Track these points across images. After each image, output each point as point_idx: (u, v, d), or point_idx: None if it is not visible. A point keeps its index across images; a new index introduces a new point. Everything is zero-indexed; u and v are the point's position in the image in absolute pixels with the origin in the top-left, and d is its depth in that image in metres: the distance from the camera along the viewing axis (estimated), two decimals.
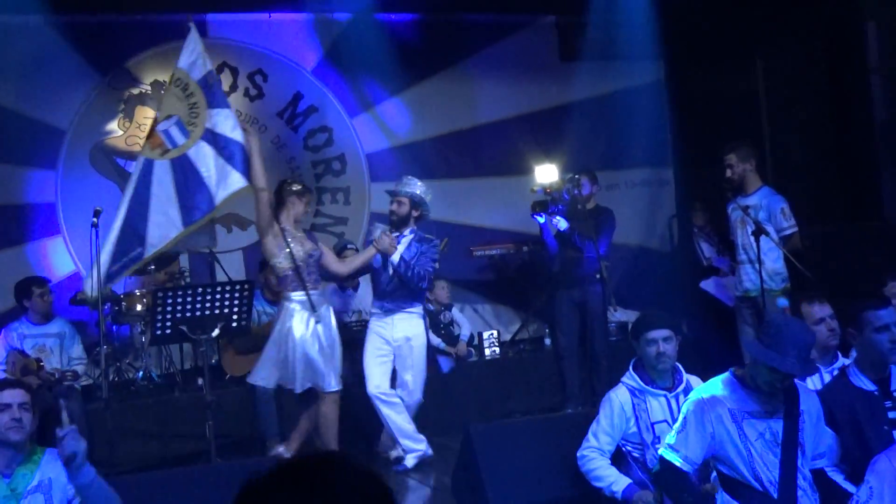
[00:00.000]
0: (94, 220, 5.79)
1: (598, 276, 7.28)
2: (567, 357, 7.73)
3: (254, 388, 6.88)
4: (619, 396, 4.56)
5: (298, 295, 6.16)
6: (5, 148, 8.29)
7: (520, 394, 8.00)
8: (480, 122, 9.53)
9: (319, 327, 6.15)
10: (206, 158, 6.18)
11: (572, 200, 7.59)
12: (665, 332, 4.49)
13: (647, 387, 4.53)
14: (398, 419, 6.47)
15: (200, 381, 7.41)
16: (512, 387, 8.07)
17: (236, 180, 6.19)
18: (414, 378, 6.51)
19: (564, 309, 7.72)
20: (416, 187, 6.64)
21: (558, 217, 7.45)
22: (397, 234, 6.60)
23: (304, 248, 6.27)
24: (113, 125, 8.69)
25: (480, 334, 8.49)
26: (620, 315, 8.85)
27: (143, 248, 6.27)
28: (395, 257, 6.52)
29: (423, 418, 6.93)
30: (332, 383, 6.19)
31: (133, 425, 7.07)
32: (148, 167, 6.24)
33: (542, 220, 7.55)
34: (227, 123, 6.27)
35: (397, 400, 6.48)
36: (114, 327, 7.99)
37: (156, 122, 6.38)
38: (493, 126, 9.55)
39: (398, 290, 6.54)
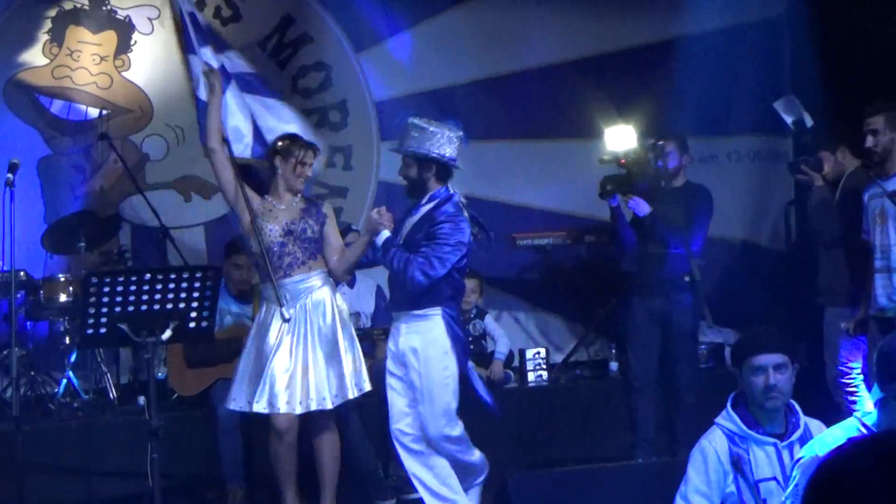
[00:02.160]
0: (10, 176, 5.84)
1: (686, 279, 7.26)
2: (641, 389, 7.72)
3: (214, 414, 6.94)
4: (715, 444, 4.54)
5: (268, 286, 6.34)
6: None
7: (573, 435, 8.00)
8: (531, 64, 9.53)
9: (306, 327, 6.22)
10: None
11: (655, 176, 7.57)
12: (778, 358, 4.47)
13: (750, 431, 4.51)
14: (424, 474, 6.40)
15: (142, 400, 7.50)
16: (563, 425, 8.08)
17: None
18: (425, 408, 6.44)
19: (639, 324, 7.71)
20: (425, 136, 6.37)
21: (636, 198, 7.43)
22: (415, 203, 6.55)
23: (281, 222, 6.39)
24: (36, 52, 8.73)
25: (522, 352, 8.51)
26: (715, 335, 8.84)
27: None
28: (381, 238, 6.36)
29: None
30: (329, 399, 6.27)
31: (50, 456, 7.11)
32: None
33: (615, 202, 7.54)
34: (192, 72, 6.75)
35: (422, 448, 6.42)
36: (27, 324, 8.04)
37: None
38: (547, 70, 9.56)
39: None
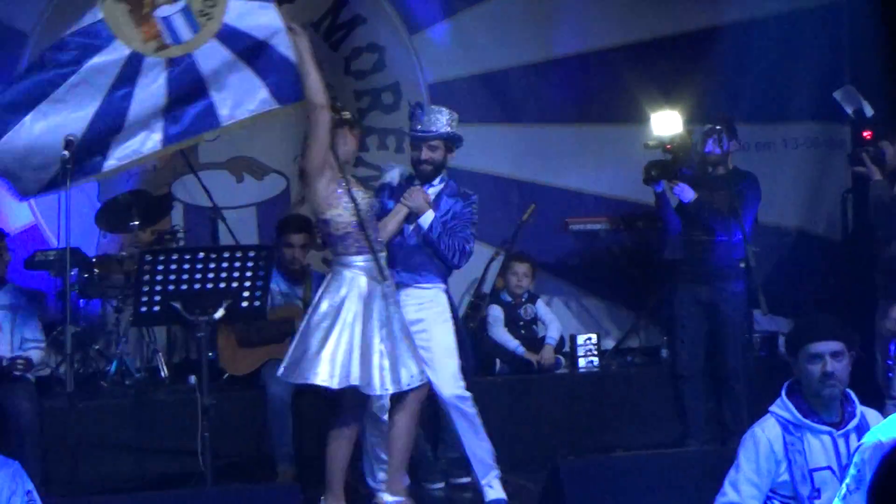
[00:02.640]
0: (65, 152, 5.84)
1: (742, 265, 7.19)
2: (688, 378, 7.69)
3: (266, 393, 6.97)
4: (768, 432, 4.51)
5: (362, 259, 6.07)
6: None
7: (623, 422, 7.97)
8: (585, 47, 9.51)
9: (392, 305, 6.17)
10: (216, 63, 6.10)
11: (701, 162, 7.54)
12: (835, 346, 4.44)
13: (805, 420, 4.48)
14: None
15: (193, 379, 7.57)
16: (613, 412, 8.06)
17: (262, 100, 6.15)
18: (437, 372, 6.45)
19: (686, 312, 7.67)
20: (446, 120, 6.50)
21: (682, 184, 7.41)
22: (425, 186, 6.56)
23: (366, 196, 6.21)
24: None
25: (573, 338, 8.49)
26: (768, 323, 8.78)
27: (103, 157, 6.21)
28: (428, 218, 6.40)
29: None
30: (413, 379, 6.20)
31: (102, 434, 7.19)
32: (134, 63, 6.09)
33: (659, 188, 7.52)
34: (259, 18, 6.12)
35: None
36: (80, 302, 8.12)
37: (153, 3, 6.23)
38: (601, 54, 9.52)
39: (415, 254, 6.52)
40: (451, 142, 6.54)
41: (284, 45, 6.12)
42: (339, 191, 6.03)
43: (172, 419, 7.25)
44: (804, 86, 9.52)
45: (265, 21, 6.12)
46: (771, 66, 9.40)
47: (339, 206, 6.03)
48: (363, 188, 6.33)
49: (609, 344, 9.10)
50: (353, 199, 6.01)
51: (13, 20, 8.59)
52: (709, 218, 7.42)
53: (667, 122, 7.46)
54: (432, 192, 6.52)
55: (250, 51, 6.13)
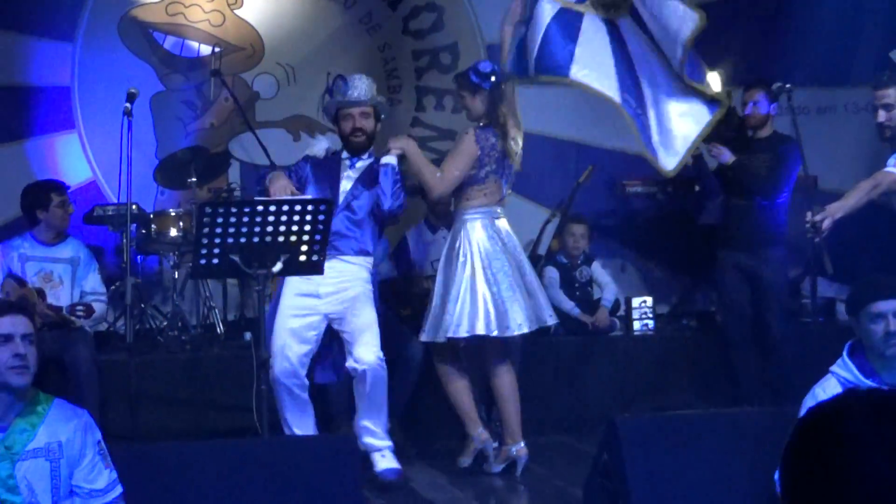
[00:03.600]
0: (127, 105, 5.93)
1: (809, 233, 7.11)
2: (737, 343, 7.72)
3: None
4: (829, 392, 4.47)
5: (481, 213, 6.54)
6: (8, 9, 8.51)
7: (679, 385, 7.95)
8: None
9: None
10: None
11: (742, 124, 7.48)
12: None
13: (867, 380, 4.44)
14: None
15: (248, 335, 7.61)
16: (669, 375, 8.03)
17: None
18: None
19: (729, 278, 7.71)
20: (371, 87, 6.57)
21: (719, 146, 7.35)
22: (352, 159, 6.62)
23: None
24: None
25: (629, 301, 8.46)
26: (826, 288, 8.71)
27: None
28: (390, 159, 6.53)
29: (538, 410, 6.95)
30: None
31: (159, 388, 7.25)
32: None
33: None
34: None
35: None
36: (138, 258, 8.19)
37: None
38: None
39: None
40: (379, 111, 6.59)
41: None
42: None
43: (228, 375, 7.27)
44: (866, 50, 9.40)
45: None
46: (832, 30, 9.26)
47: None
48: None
49: (664, 308, 9.06)
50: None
51: None
52: (747, 181, 7.38)
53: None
54: (360, 165, 6.57)
55: None
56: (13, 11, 8.53)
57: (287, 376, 6.26)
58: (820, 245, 6.97)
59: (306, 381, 6.36)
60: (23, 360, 3.94)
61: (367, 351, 6.28)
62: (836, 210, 6.30)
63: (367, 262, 6.56)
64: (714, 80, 7.39)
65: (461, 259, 6.41)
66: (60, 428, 4.02)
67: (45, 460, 3.98)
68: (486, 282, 6.35)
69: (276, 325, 6.33)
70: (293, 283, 6.30)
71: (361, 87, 6.49)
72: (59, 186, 7.40)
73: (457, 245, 6.45)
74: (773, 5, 9.36)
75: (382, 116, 6.66)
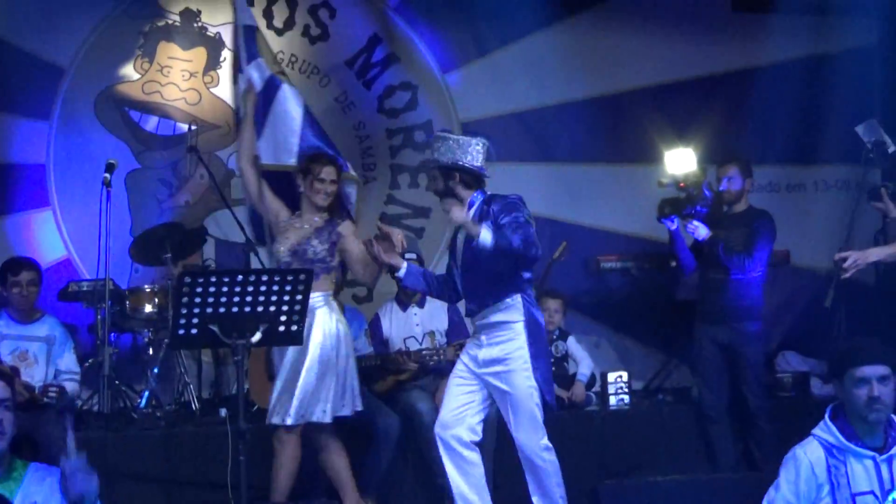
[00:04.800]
0: (107, 175, 5.96)
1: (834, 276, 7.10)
2: (715, 419, 7.77)
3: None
4: (810, 454, 4.51)
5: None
6: None
7: (654, 460, 7.89)
8: (617, 88, 9.56)
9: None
10: None
11: (716, 199, 7.55)
12: (882, 370, 4.44)
13: (849, 443, 4.46)
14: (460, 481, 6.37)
15: (224, 412, 7.55)
16: (644, 450, 7.97)
17: None
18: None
19: (706, 353, 7.75)
20: (448, 146, 6.36)
21: (696, 222, 7.42)
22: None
23: (289, 241, 6.60)
24: (128, 67, 8.93)
25: (604, 376, 8.44)
26: (799, 363, 8.76)
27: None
28: (483, 232, 6.07)
29: (514, 484, 6.90)
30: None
31: (133, 465, 7.17)
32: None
33: (673, 225, 7.54)
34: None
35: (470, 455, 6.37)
36: (111, 335, 8.11)
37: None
38: (629, 95, 9.57)
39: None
40: (451, 168, 6.32)
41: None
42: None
43: (203, 451, 7.22)
44: (834, 128, 9.51)
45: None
46: (801, 109, 9.43)
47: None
48: (304, 232, 6.63)
49: (640, 384, 9.04)
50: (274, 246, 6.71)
51: (51, 55, 8.67)
52: (723, 255, 7.43)
53: (680, 160, 7.49)
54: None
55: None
56: None
57: None
58: (837, 279, 6.88)
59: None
60: (0, 427, 3.92)
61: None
62: (871, 254, 6.29)
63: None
64: (688, 157, 7.48)
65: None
66: (35, 489, 4.05)
67: None
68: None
69: None
70: None
71: (434, 147, 6.46)
72: (15, 266, 7.36)
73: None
74: (744, 85, 9.49)
75: (460, 168, 6.33)
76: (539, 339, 6.24)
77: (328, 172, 6.61)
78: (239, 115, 7.47)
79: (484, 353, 6.23)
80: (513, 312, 6.19)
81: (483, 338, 6.26)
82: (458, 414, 6.28)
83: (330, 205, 6.64)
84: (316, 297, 6.32)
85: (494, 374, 6.19)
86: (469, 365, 6.32)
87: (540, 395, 6.15)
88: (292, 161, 7.12)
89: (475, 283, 6.27)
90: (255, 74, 7.22)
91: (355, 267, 6.70)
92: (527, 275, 6.30)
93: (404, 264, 6.40)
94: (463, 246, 6.34)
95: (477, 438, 6.28)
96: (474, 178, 6.35)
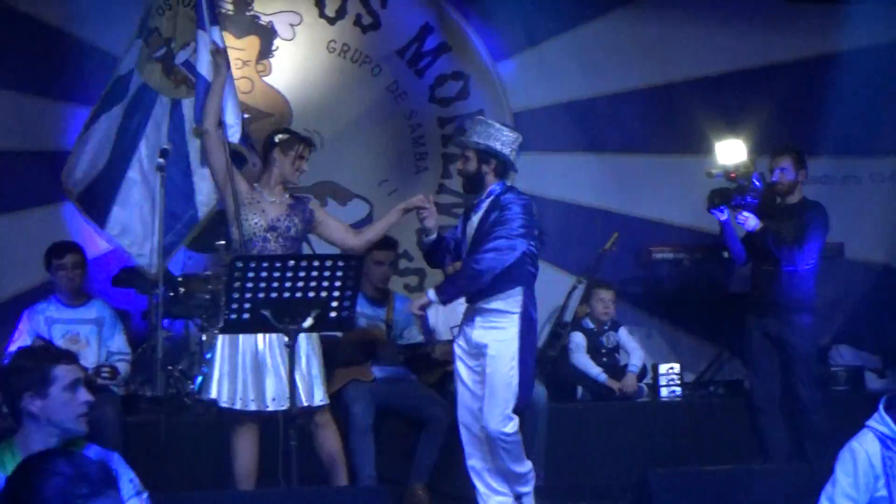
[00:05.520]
0: (161, 161, 5.97)
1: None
2: (766, 410, 7.69)
3: (347, 415, 6.97)
4: (866, 446, 4.47)
5: None
6: (42, 76, 8.64)
7: (705, 452, 7.85)
8: (671, 78, 9.53)
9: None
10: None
11: (767, 190, 7.49)
12: None
13: None
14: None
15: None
16: (695, 442, 7.94)
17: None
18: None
19: (757, 345, 7.69)
20: (490, 132, 6.39)
21: (746, 213, 7.37)
22: (475, 201, 6.48)
23: (266, 216, 6.39)
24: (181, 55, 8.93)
25: (656, 367, 8.42)
26: (853, 358, 8.69)
27: (194, 208, 6.55)
28: (431, 226, 6.47)
29: (564, 476, 6.91)
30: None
31: (184, 448, 7.21)
32: (179, 111, 6.70)
33: (723, 215, 7.49)
34: (200, 50, 6.62)
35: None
36: (165, 321, 8.17)
37: (169, 53, 6.61)
38: (686, 85, 9.54)
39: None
40: (489, 154, 6.35)
41: (207, 71, 6.57)
42: (235, 210, 6.34)
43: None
44: (891, 120, 9.44)
45: (202, 47, 6.64)
46: (857, 100, 9.31)
47: (233, 224, 6.39)
48: (277, 209, 6.44)
49: (691, 376, 9.00)
50: (240, 220, 6.34)
51: (107, 44, 8.74)
52: (774, 247, 7.36)
53: (731, 151, 7.44)
54: (481, 210, 6.40)
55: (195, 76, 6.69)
56: (48, 79, 8.66)
57: None
58: None
59: None
60: (89, 407, 4.01)
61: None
62: None
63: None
64: (738, 148, 7.43)
65: None
66: None
67: None
68: None
69: None
70: None
71: (471, 129, 6.50)
72: (59, 249, 7.43)
73: None
74: (799, 76, 9.43)
75: (499, 158, 6.36)
76: (530, 335, 6.34)
77: (306, 151, 6.56)
78: None
79: (476, 335, 6.34)
80: (511, 303, 6.27)
81: (478, 319, 6.34)
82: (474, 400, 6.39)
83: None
84: None
85: (481, 357, 6.30)
86: (464, 347, 6.45)
87: (517, 389, 6.23)
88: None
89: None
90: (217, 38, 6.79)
91: (342, 235, 6.61)
92: (532, 269, 6.37)
93: (436, 232, 6.49)
94: (474, 231, 6.37)
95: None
96: (504, 170, 6.41)
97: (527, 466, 6.36)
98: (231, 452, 6.32)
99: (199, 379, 7.88)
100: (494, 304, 6.29)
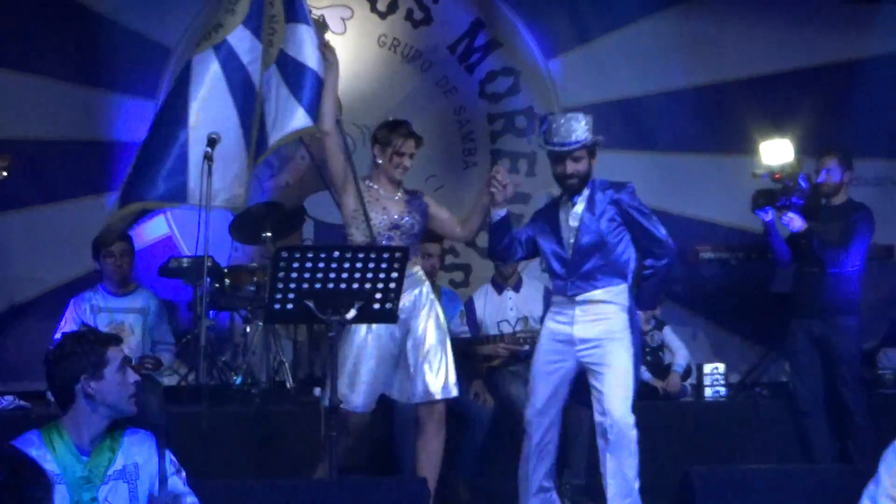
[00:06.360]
0: (208, 149, 5.98)
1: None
2: (810, 413, 7.65)
3: (393, 407, 6.98)
4: None
5: None
6: (95, 66, 8.73)
7: (749, 453, 7.82)
8: (722, 77, 9.44)
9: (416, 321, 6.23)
10: (270, 89, 6.37)
11: (814, 191, 7.42)
12: None
13: None
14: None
15: (318, 391, 7.61)
16: (738, 441, 7.90)
17: (300, 119, 6.36)
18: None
19: (801, 347, 7.63)
20: (584, 125, 6.22)
21: (791, 213, 7.29)
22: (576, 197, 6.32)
23: (389, 214, 6.31)
24: None
25: (700, 367, 8.38)
26: None
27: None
28: (501, 199, 6.24)
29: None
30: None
31: (227, 438, 7.26)
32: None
33: (767, 216, 7.45)
34: (303, 44, 6.39)
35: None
36: (210, 313, 8.21)
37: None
38: (736, 84, 9.45)
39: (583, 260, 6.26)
40: (594, 147, 6.29)
41: (318, 65, 6.38)
42: (358, 210, 6.25)
43: (296, 427, 7.28)
44: None
45: (308, 44, 6.39)
46: None
47: (353, 224, 6.29)
48: (396, 206, 6.37)
49: (736, 377, 8.94)
50: (367, 220, 6.20)
51: (158, 35, 8.82)
52: (818, 249, 7.30)
53: (777, 151, 7.39)
54: (581, 202, 6.28)
55: (292, 73, 6.39)
56: (99, 69, 8.75)
57: None
58: None
59: None
60: (138, 388, 4.14)
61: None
62: None
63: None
64: (784, 148, 7.38)
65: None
66: (136, 450, 4.14)
67: (124, 482, 4.10)
68: None
69: None
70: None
71: (571, 127, 6.20)
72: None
73: None
74: (851, 77, 9.34)
75: (596, 151, 6.31)
76: (636, 329, 6.22)
77: (409, 146, 6.42)
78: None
79: (580, 331, 6.17)
80: (618, 296, 6.18)
81: (578, 312, 6.19)
82: (551, 399, 6.27)
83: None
84: (421, 273, 6.39)
85: (593, 350, 6.14)
86: (556, 346, 6.28)
87: (634, 376, 6.15)
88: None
89: (586, 265, 6.19)
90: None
91: (451, 227, 6.60)
92: (633, 265, 6.29)
93: (505, 209, 6.33)
94: (579, 224, 6.23)
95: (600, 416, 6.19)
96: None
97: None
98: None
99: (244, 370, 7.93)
100: (601, 296, 6.19)
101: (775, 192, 7.33)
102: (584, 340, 6.16)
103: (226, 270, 8.01)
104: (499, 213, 6.30)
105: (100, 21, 8.71)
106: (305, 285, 5.43)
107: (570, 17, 9.35)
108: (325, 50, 6.46)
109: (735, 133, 9.18)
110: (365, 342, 6.18)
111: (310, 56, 6.37)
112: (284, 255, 5.43)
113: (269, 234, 7.99)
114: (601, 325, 6.15)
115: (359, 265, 5.47)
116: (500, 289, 7.85)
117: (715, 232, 9.23)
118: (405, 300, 6.08)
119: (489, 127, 9.35)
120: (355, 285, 5.49)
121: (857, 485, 4.53)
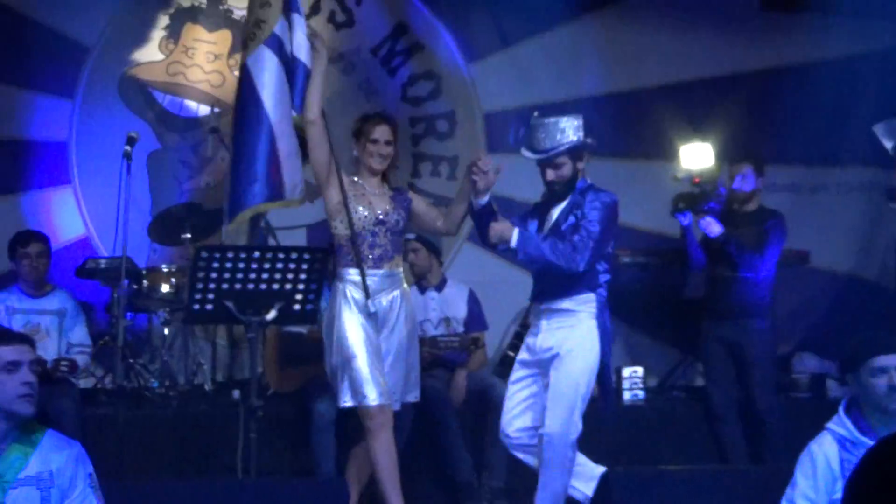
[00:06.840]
0: (127, 148, 5.95)
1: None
2: (723, 417, 7.70)
3: (310, 410, 6.94)
4: (825, 449, 4.46)
5: (355, 273, 6.00)
6: (11, 64, 8.59)
7: (667, 454, 7.88)
8: (642, 83, 9.52)
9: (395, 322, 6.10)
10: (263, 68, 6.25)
11: (730, 198, 7.52)
12: None
13: (863, 437, 4.41)
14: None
15: (237, 393, 7.54)
16: (656, 444, 7.96)
17: (288, 106, 6.25)
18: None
19: (713, 351, 7.70)
20: (567, 128, 6.14)
21: (709, 218, 7.36)
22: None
23: (374, 210, 6.14)
24: (152, 48, 8.93)
25: (619, 370, 8.42)
26: (816, 365, 8.72)
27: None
28: (482, 187, 6.03)
29: (527, 477, 6.88)
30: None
31: (144, 441, 7.18)
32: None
33: (686, 220, 7.52)
34: (294, 32, 6.28)
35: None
36: (128, 315, 8.12)
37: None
38: (655, 91, 9.52)
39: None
40: (579, 150, 6.13)
41: (306, 56, 6.23)
42: (339, 202, 6.09)
43: (214, 430, 7.23)
44: (859, 130, 9.45)
45: (300, 35, 6.25)
46: (826, 110, 9.36)
47: (338, 217, 6.10)
48: (381, 202, 6.21)
49: (654, 381, 9.01)
50: (349, 212, 6.04)
51: (75, 33, 8.71)
52: (736, 253, 7.38)
53: (697, 155, 7.46)
54: (558, 208, 6.19)
55: (286, 60, 6.26)
56: (14, 67, 8.62)
57: None
58: None
59: None
60: (31, 388, 3.96)
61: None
62: None
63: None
64: (704, 153, 7.45)
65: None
66: (52, 457, 4.02)
67: (36, 489, 3.97)
68: None
69: None
70: None
71: (550, 134, 6.11)
72: (24, 238, 7.40)
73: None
74: (769, 84, 9.46)
75: (586, 150, 6.19)
76: (605, 338, 6.11)
77: (382, 132, 6.22)
78: None
79: (542, 340, 6.07)
80: (583, 305, 6.08)
81: (543, 323, 6.11)
82: (518, 413, 6.17)
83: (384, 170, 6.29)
84: (402, 275, 6.24)
85: (548, 358, 6.02)
86: (525, 357, 6.19)
87: (586, 396, 6.02)
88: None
89: (551, 270, 6.02)
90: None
91: (434, 222, 6.42)
92: (605, 277, 6.21)
93: (487, 196, 6.13)
94: (550, 229, 6.14)
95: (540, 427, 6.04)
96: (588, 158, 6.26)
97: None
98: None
99: (160, 373, 7.86)
100: (563, 305, 6.07)
101: (695, 196, 7.38)
102: (544, 350, 6.05)
103: (144, 272, 7.92)
104: (481, 201, 6.11)
105: (15, 18, 8.57)
106: (225, 285, 5.43)
107: (491, 21, 9.38)
108: (314, 38, 6.29)
109: (654, 139, 9.27)
110: (358, 338, 5.98)
111: (299, 45, 6.24)
112: (204, 254, 5.41)
113: (188, 236, 7.92)
114: (561, 334, 6.03)
115: (279, 265, 5.46)
116: (422, 289, 7.84)
117: (634, 237, 9.27)
118: (384, 299, 6.03)
119: (411, 130, 9.33)
120: (275, 286, 5.49)
121: (772, 485, 4.59)
